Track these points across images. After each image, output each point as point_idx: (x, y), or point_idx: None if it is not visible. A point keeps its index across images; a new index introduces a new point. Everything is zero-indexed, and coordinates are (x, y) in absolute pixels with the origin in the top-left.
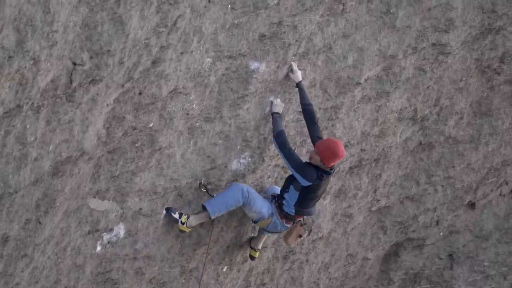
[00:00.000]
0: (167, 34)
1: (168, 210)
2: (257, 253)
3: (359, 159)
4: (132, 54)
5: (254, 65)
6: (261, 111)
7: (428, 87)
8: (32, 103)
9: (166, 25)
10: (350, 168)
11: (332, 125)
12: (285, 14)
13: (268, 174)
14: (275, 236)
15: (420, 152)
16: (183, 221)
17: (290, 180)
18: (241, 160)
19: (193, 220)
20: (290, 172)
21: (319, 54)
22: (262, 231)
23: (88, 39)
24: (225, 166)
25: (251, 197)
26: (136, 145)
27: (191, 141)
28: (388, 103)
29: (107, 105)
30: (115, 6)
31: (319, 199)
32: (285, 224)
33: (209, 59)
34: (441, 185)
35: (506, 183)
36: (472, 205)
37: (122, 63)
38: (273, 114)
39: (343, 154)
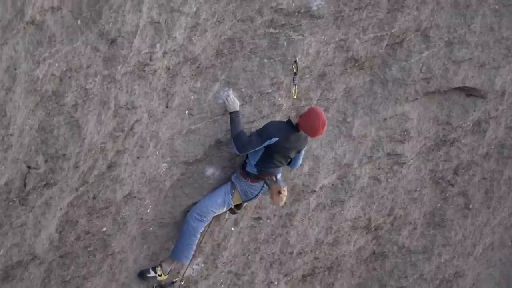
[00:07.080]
0: (124, 139)
1: (141, 273)
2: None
3: (313, 267)
4: (88, 158)
5: (209, 170)
6: (215, 219)
7: (382, 197)
8: None
9: (123, 129)
10: (303, 276)
11: (286, 232)
12: (242, 121)
13: (221, 280)
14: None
15: (373, 262)
16: (159, 274)
17: None
18: (194, 266)
19: (167, 265)
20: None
21: None
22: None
23: (43, 143)
24: (178, 273)
25: (204, 211)
26: (89, 249)
27: (144, 246)
28: (342, 212)
29: (61, 209)
30: (72, 110)
31: (282, 162)
32: (251, 184)
33: (165, 164)
34: None
35: None
36: None
37: (77, 167)
38: (230, 114)
39: (323, 131)
